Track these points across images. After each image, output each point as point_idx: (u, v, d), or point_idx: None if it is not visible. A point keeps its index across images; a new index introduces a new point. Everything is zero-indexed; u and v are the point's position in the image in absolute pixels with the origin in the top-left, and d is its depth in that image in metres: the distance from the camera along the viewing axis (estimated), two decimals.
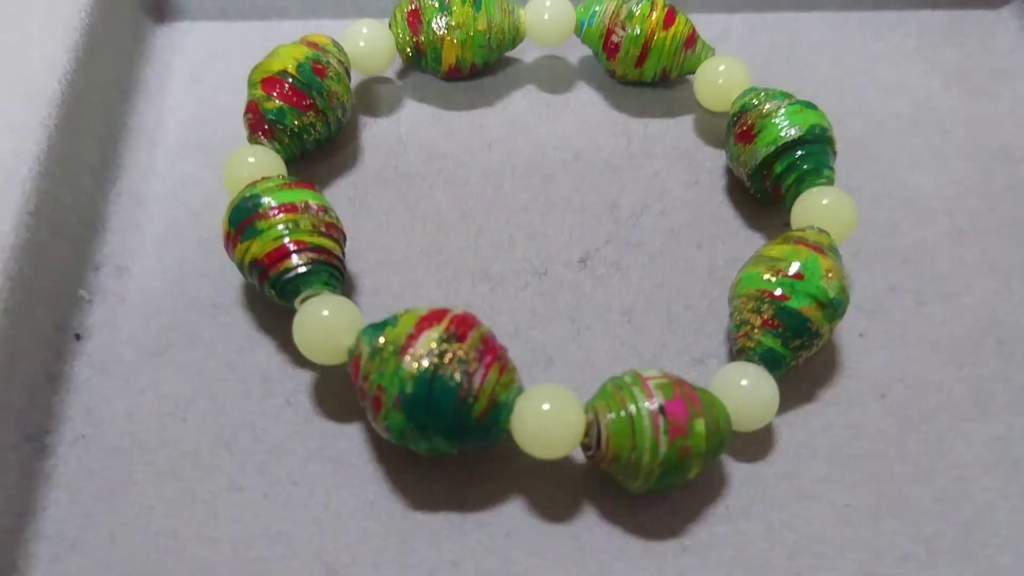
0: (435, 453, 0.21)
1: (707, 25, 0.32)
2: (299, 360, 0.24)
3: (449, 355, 0.20)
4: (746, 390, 0.22)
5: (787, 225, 0.28)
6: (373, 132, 0.29)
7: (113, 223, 0.27)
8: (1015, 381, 0.25)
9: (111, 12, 0.29)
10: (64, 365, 0.24)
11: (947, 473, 0.23)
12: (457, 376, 0.20)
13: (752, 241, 0.27)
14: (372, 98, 0.30)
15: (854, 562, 0.22)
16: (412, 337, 0.20)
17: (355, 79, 0.30)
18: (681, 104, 0.31)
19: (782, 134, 0.26)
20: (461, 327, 0.21)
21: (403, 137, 0.29)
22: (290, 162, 0.27)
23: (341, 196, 0.28)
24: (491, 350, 0.21)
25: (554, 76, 0.31)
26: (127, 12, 0.30)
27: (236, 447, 0.23)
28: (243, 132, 0.28)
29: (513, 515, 0.22)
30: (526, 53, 0.32)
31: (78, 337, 0.24)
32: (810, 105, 0.26)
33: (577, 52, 0.32)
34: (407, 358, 0.20)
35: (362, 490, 0.22)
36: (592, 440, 0.21)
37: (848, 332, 0.26)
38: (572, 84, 0.31)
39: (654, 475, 0.20)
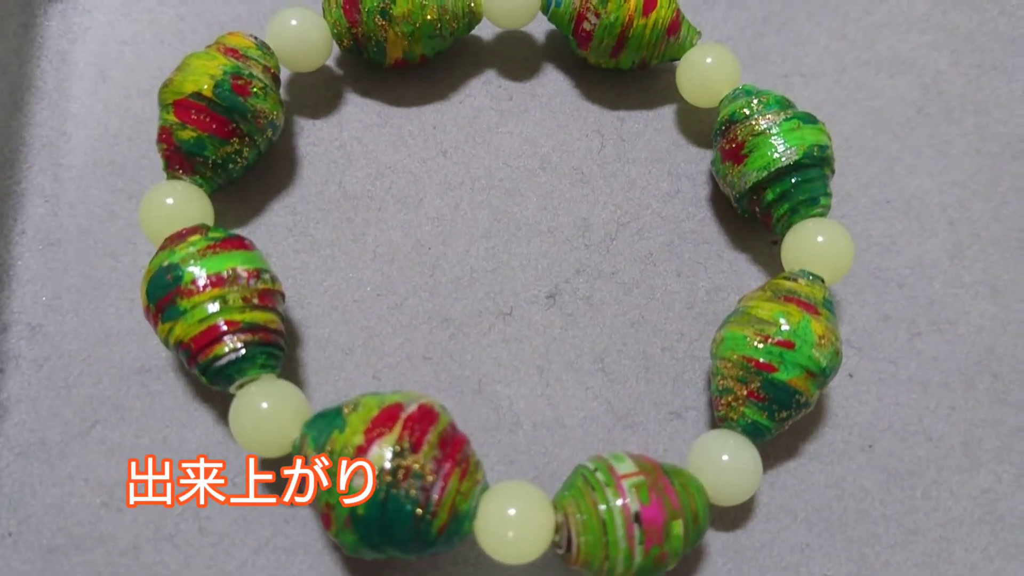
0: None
1: None
2: None
3: (402, 472, 0.18)
4: (728, 465, 0.21)
5: (776, 243, 0.25)
6: (310, 138, 0.26)
7: (20, 271, 0.23)
8: (1007, 424, 0.24)
9: None
10: None
11: (931, 533, 0.22)
12: (412, 493, 0.18)
13: (737, 265, 0.25)
14: (306, 93, 0.26)
15: None
16: (361, 449, 0.18)
17: (285, 73, 0.26)
18: (660, 93, 0.27)
19: (776, 158, 0.23)
20: (415, 432, 0.19)
21: (345, 145, 0.26)
22: (215, 193, 0.24)
23: (279, 224, 0.25)
24: (450, 454, 0.19)
25: (517, 59, 0.27)
26: None
27: (180, 540, 0.21)
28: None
29: None
30: (485, 29, 0.27)
31: None
32: (810, 119, 0.23)
33: (543, 26, 0.28)
34: (357, 478, 0.18)
35: None
36: (563, 541, 0.20)
37: (838, 374, 0.24)
38: (538, 68, 0.27)
39: None
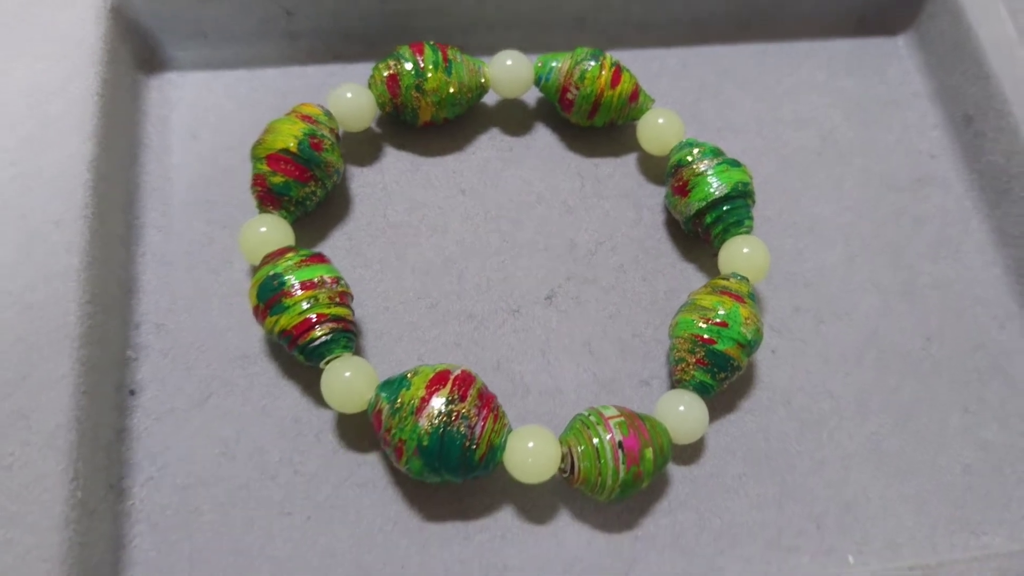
0: (444, 483, 0.27)
1: (645, 62, 0.37)
2: (322, 402, 0.29)
3: (455, 414, 0.26)
4: (683, 414, 0.29)
5: (715, 256, 0.34)
6: (360, 182, 0.34)
7: (144, 283, 0.31)
8: (888, 385, 0.32)
9: (115, 76, 0.31)
10: (126, 419, 0.28)
11: (834, 464, 0.30)
12: (462, 430, 0.26)
13: (687, 272, 0.33)
14: (357, 148, 0.34)
15: (762, 539, 0.29)
16: (424, 400, 0.26)
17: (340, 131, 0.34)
18: (625, 144, 0.35)
19: (711, 191, 0.31)
20: (462, 388, 0.26)
21: (387, 187, 0.33)
22: (295, 224, 0.31)
23: (339, 248, 0.32)
24: (486, 404, 0.27)
25: (514, 119, 0.36)
26: (125, 70, 0.33)
27: (280, 479, 0.28)
28: (244, 191, 0.32)
29: (505, 521, 0.28)
30: (490, 97, 0.36)
31: (132, 393, 0.29)
32: (735, 163, 0.32)
33: (534, 94, 0.36)
34: (422, 419, 0.26)
35: (385, 509, 0.28)
36: (567, 467, 0.27)
37: (763, 349, 0.32)
38: (531, 126, 0.36)
39: (615, 492, 0.27)
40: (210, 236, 0.32)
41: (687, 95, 0.37)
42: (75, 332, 0.26)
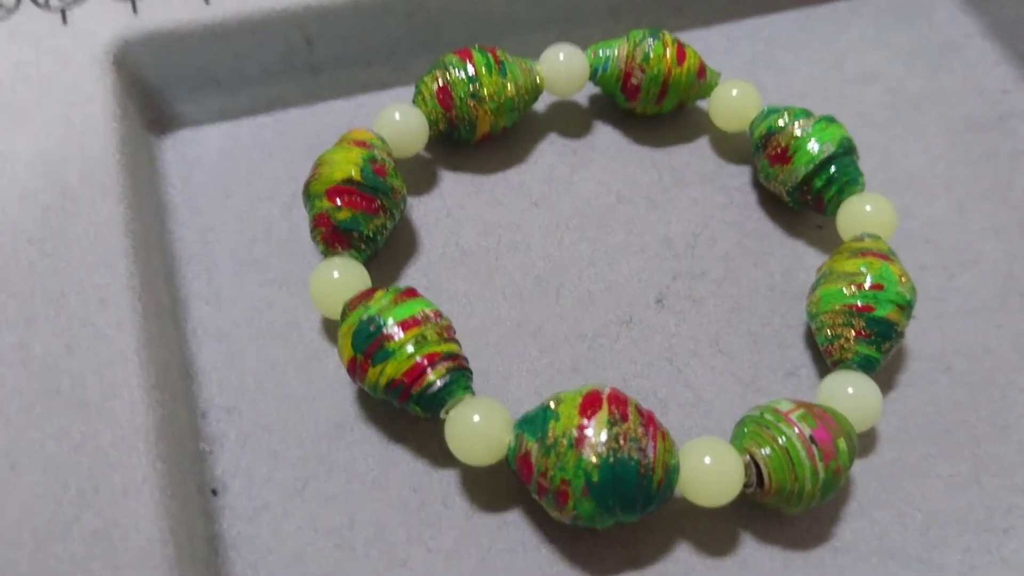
0: (615, 525, 0.23)
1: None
2: (439, 462, 0.25)
3: (621, 438, 0.22)
4: (854, 397, 0.25)
5: (820, 227, 0.30)
6: (421, 212, 0.30)
7: (202, 363, 0.26)
8: None
9: (130, 134, 0.27)
10: (214, 524, 0.23)
11: (1019, 425, 0.27)
12: (634, 455, 0.22)
13: (797, 249, 0.30)
14: (408, 177, 0.30)
15: (972, 524, 0.25)
16: (582, 428, 0.22)
17: None
18: (693, 128, 0.33)
19: (817, 152, 0.28)
20: (620, 407, 0.22)
21: (452, 212, 0.30)
22: (366, 263, 0.27)
23: (416, 285, 0.28)
24: (650, 421, 0.22)
25: (571, 121, 0.32)
26: (136, 130, 0.28)
27: (413, 563, 0.23)
28: (296, 242, 0.28)
29: (685, 560, 0.24)
30: (538, 102, 0.33)
31: (215, 493, 0.24)
32: (831, 120, 0.29)
33: (584, 92, 0.33)
34: (586, 450, 0.21)
35: (545, 573, 0.23)
36: (752, 479, 0.23)
37: None
38: (590, 125, 0.32)
39: (816, 497, 0.23)
40: (267, 300, 0.27)
41: (740, 71, 0.34)
42: (147, 424, 0.21)
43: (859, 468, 0.26)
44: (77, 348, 0.22)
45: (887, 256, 0.26)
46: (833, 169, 0.28)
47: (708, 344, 0.28)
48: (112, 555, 0.19)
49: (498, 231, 0.29)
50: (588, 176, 0.31)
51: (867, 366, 0.26)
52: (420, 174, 0.30)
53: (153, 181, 0.29)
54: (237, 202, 0.29)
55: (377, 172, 0.26)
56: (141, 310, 0.23)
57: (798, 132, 0.29)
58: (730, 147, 0.32)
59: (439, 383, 0.23)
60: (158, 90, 0.30)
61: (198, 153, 0.30)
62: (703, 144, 0.32)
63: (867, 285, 0.25)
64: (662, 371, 0.27)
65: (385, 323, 0.23)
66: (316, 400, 0.26)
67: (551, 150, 0.32)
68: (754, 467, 0.23)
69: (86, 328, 0.22)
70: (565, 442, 0.22)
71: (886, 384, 0.27)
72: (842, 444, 0.23)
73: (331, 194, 0.26)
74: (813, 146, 0.28)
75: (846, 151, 0.28)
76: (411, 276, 0.28)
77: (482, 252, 0.29)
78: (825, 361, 0.27)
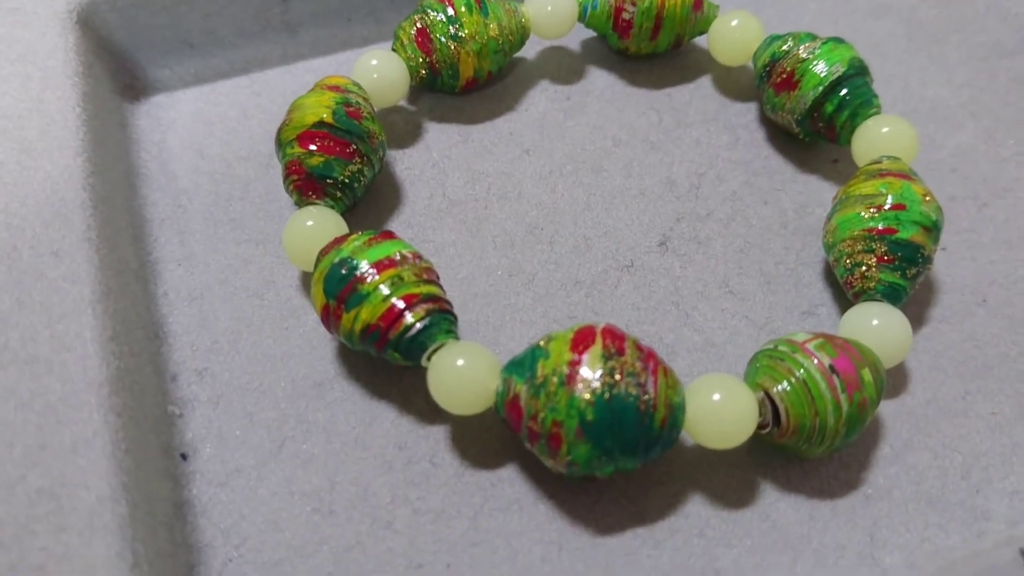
0: (615, 473, 0.21)
1: None
2: (426, 418, 0.23)
3: (618, 372, 0.19)
4: (880, 329, 0.22)
5: (836, 161, 0.28)
6: (405, 164, 0.28)
7: (172, 326, 0.24)
8: None
9: (95, 95, 0.26)
10: (183, 491, 0.21)
11: None
12: (632, 390, 0.19)
13: (810, 184, 0.28)
14: (391, 129, 0.29)
15: (1020, 464, 0.22)
16: (574, 364, 0.20)
17: None
18: (692, 67, 0.31)
19: (826, 74, 0.26)
20: (615, 341, 0.20)
21: (438, 163, 0.28)
22: (344, 215, 0.25)
23: (401, 236, 0.26)
24: (650, 356, 0.20)
25: (563, 66, 0.31)
26: (106, 94, 0.27)
27: (399, 524, 0.21)
28: (274, 199, 0.27)
29: (699, 514, 0.22)
30: (527, 50, 0.31)
31: (184, 457, 0.22)
32: (840, 40, 0.27)
33: (574, 39, 0.31)
34: (578, 386, 0.19)
35: (543, 532, 0.21)
36: (767, 418, 0.21)
37: None
38: (583, 71, 0.30)
39: (839, 435, 0.20)
40: (243, 258, 0.26)
41: (743, 4, 0.32)
42: (99, 377, 0.20)
43: (890, 409, 0.23)
44: (28, 301, 0.20)
45: (908, 175, 0.24)
46: (844, 92, 0.26)
47: (717, 286, 0.26)
48: (58, 515, 0.18)
49: (487, 180, 0.28)
50: (583, 121, 0.29)
51: (893, 295, 0.23)
52: (404, 127, 0.29)
53: (125, 146, 0.27)
54: (213, 163, 0.28)
55: (351, 115, 0.25)
56: (99, 263, 0.21)
57: (804, 55, 0.26)
58: (734, 85, 0.30)
59: (418, 326, 0.21)
60: (129, 54, 0.29)
61: (172, 118, 0.29)
62: (705, 83, 0.30)
63: (887, 206, 0.23)
64: (668, 315, 0.25)
65: (358, 265, 0.21)
66: (293, 358, 0.24)
67: (543, 97, 0.30)
68: (769, 405, 0.21)
69: (39, 281, 0.21)
70: (555, 380, 0.20)
71: (916, 319, 0.25)
72: (867, 375, 0.21)
73: (303, 139, 0.24)
74: (821, 68, 0.26)
75: (857, 72, 0.26)
76: (395, 228, 0.26)
77: (470, 202, 0.27)
78: (846, 295, 0.24)
